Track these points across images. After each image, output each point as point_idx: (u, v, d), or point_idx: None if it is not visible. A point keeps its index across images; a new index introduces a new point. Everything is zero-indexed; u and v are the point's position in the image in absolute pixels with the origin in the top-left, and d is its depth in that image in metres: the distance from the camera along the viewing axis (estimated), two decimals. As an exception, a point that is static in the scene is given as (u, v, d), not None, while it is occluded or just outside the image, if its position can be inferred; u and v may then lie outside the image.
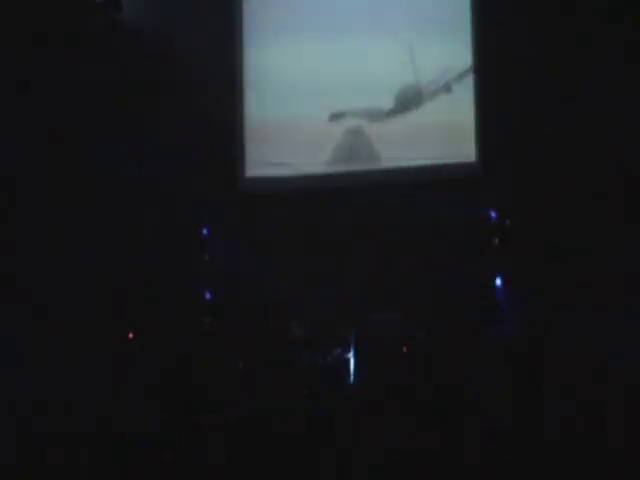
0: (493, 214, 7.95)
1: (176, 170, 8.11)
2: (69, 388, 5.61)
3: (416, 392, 3.77)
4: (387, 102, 8.37)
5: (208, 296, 7.78)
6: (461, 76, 8.19)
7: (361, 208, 8.00)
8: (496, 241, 7.97)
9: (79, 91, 7.77)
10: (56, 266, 7.36)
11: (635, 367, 4.89)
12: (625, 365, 5.01)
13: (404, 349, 6.96)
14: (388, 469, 3.18)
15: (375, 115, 8.40)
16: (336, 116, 8.44)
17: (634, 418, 3.28)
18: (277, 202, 8.15)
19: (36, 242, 7.39)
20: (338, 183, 8.27)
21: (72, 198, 7.69)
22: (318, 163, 8.50)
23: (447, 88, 8.21)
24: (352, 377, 6.55)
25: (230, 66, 8.72)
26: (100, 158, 7.89)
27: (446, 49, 8.18)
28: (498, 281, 7.90)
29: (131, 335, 7.18)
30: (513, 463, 3.07)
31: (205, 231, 8.44)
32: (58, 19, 7.67)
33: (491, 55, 7.89)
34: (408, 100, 8.32)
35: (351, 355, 6.81)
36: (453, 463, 3.05)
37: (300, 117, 8.51)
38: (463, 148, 8.14)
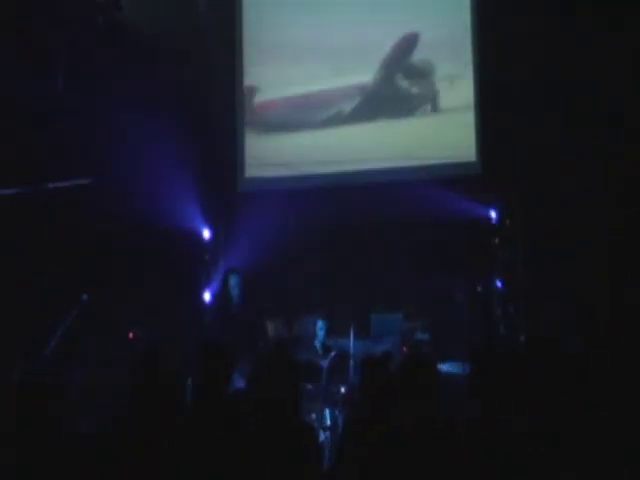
0: (493, 214, 7.96)
1: (176, 170, 8.11)
2: (69, 388, 5.62)
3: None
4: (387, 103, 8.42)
5: (208, 296, 7.79)
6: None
7: (361, 208, 8.00)
8: (496, 241, 7.98)
9: (78, 90, 7.78)
10: (55, 266, 7.36)
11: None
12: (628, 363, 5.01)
13: (404, 349, 6.95)
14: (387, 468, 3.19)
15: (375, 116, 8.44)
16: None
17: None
18: (277, 202, 8.15)
19: (36, 242, 7.40)
20: (338, 183, 8.27)
21: (71, 198, 7.70)
22: (318, 163, 8.50)
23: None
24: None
25: (230, 66, 8.74)
26: (99, 158, 7.90)
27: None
28: (498, 281, 7.93)
29: (131, 335, 7.18)
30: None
31: (205, 231, 8.46)
32: (58, 19, 7.68)
33: (491, 55, 7.90)
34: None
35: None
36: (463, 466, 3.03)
37: (300, 117, 8.54)
38: (463, 148, 8.14)
